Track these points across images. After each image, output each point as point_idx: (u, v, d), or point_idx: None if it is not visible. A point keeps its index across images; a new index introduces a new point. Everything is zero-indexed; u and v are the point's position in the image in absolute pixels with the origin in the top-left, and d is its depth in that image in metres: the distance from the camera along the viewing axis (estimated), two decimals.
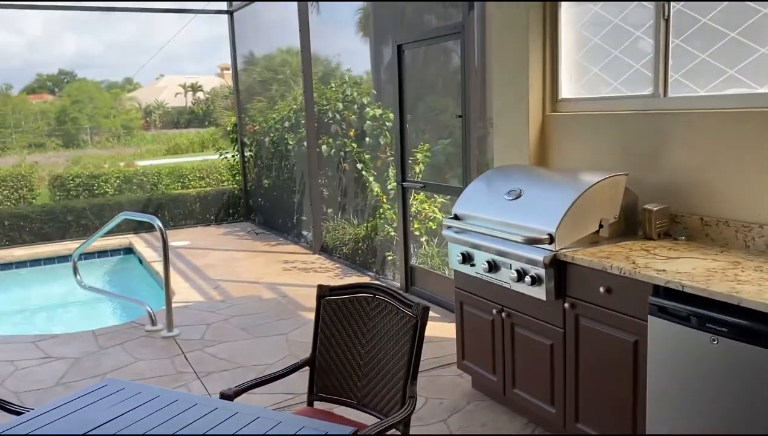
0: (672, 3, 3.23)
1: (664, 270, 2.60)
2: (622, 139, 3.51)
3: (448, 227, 3.68)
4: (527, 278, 3.14)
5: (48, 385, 4.21)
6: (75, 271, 5.89)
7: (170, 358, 4.60)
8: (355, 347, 2.55)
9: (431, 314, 2.84)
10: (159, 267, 7.38)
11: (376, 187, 6.86)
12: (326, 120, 7.80)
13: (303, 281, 6.56)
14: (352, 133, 7.55)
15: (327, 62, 9.15)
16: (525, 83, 3.94)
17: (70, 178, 15.59)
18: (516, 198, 3.36)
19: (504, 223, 3.31)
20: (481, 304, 3.60)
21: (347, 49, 9.36)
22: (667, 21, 3.26)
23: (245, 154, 10.44)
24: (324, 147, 7.78)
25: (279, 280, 6.66)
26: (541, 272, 3.07)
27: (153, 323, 5.20)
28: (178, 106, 46.83)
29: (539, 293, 3.11)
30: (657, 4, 3.29)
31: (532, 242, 3.07)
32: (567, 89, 3.93)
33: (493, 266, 3.38)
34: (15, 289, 8.04)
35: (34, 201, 14.68)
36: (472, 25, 4.94)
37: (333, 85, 8.12)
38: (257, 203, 10.22)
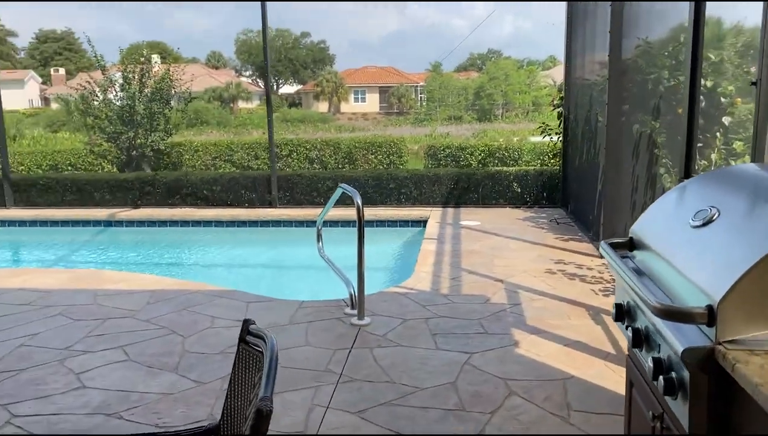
0: None
1: None
2: None
3: (607, 254, 2.28)
4: (661, 380, 1.68)
5: (215, 351, 4.18)
6: (318, 237, 5.86)
7: (332, 351, 4.14)
8: None
9: None
10: (429, 246, 7.00)
11: (667, 183, 5.12)
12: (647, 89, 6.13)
13: (554, 291, 5.36)
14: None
15: None
16: None
17: (442, 148, 16.53)
18: (704, 224, 1.84)
19: (667, 265, 1.86)
20: (640, 393, 2.15)
21: None
22: None
23: (569, 132, 9.23)
24: (636, 126, 6.19)
25: (528, 283, 5.57)
26: (684, 375, 1.59)
27: (352, 306, 4.81)
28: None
29: (680, 412, 1.63)
30: None
31: (672, 314, 1.60)
32: None
33: (640, 340, 1.95)
34: (299, 248, 8.33)
35: (401, 167, 16.04)
36: None
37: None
38: (573, 189, 8.97)
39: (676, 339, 1.61)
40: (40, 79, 59.60)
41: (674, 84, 5.33)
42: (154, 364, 4.00)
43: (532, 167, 10.87)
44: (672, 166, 5.04)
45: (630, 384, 2.32)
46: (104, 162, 15.30)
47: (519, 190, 9.79)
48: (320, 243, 5.86)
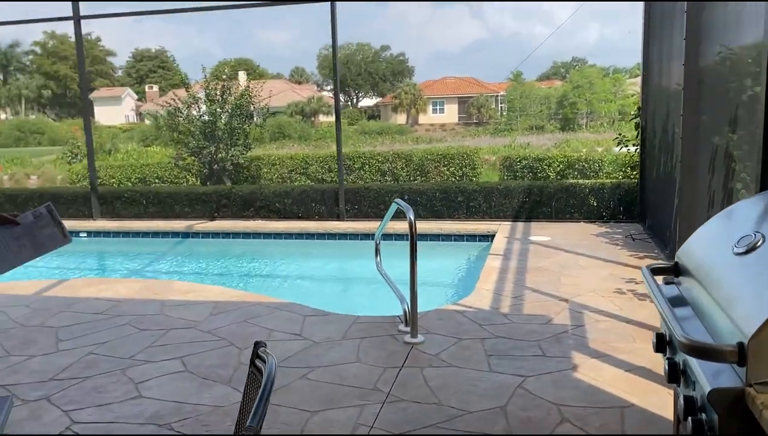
0: None
1: None
2: None
3: (645, 279, 2.14)
4: (689, 421, 1.54)
5: None
6: (376, 252, 5.85)
7: (382, 369, 4.10)
8: None
9: None
10: (493, 262, 6.86)
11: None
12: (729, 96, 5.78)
13: (621, 312, 5.11)
14: None
15: None
16: None
17: (518, 160, 16.24)
18: (747, 251, 1.69)
19: (707, 295, 1.72)
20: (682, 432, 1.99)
21: None
22: None
23: (646, 143, 8.83)
24: (715, 138, 5.84)
25: (594, 303, 5.34)
26: (714, 418, 1.45)
27: (406, 323, 4.76)
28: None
29: None
30: None
31: (699, 351, 1.47)
32: None
33: (677, 374, 1.80)
34: (362, 260, 8.20)
35: (474, 179, 15.85)
36: None
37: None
38: (651, 203, 8.56)
39: (705, 378, 1.48)
40: (135, 96, 63.10)
41: (755, 93, 4.99)
42: (209, 375, 4.09)
43: (609, 180, 10.47)
44: (750, 182, 4.71)
45: (677, 420, 2.16)
46: (189, 175, 15.99)
47: (595, 203, 9.44)
48: (378, 257, 5.84)
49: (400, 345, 4.49)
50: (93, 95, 63.38)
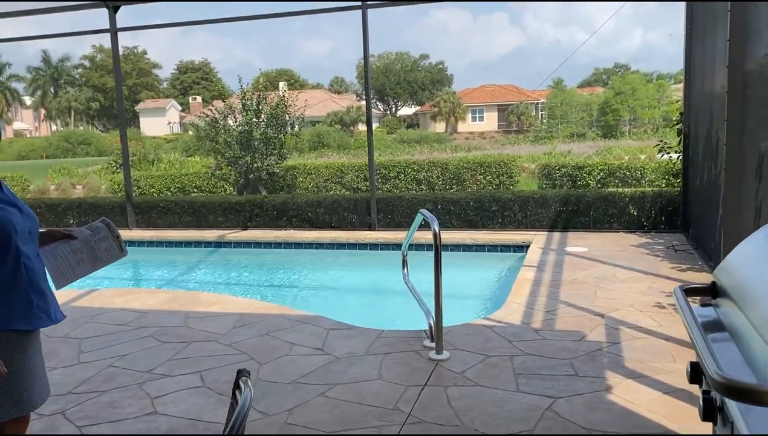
0: None
1: None
2: None
3: (677, 301, 1.92)
4: None
5: (287, 380, 4.10)
6: (404, 264, 5.68)
7: (404, 387, 3.92)
8: None
9: None
10: (526, 274, 6.63)
11: None
12: None
13: (660, 328, 4.82)
14: None
15: None
16: None
17: (557, 167, 15.86)
18: None
19: (747, 322, 1.51)
20: None
21: None
22: None
23: (689, 150, 8.46)
24: (763, 144, 5.50)
25: (631, 319, 5.06)
26: None
27: (431, 338, 4.57)
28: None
29: None
30: None
31: (731, 390, 1.27)
32: None
33: (714, 412, 1.59)
34: (392, 271, 8.03)
35: (511, 187, 15.54)
36: None
37: None
38: (694, 213, 8.18)
39: (743, 421, 1.28)
40: (179, 107, 64.41)
41: None
42: (226, 391, 3.97)
43: (650, 189, 10.08)
44: None
45: None
46: (226, 184, 16.11)
47: (635, 213, 9.09)
48: (405, 269, 5.68)
49: (425, 362, 4.31)
50: (139, 107, 65.02)
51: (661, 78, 58.20)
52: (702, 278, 6.25)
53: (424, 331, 4.83)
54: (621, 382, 3.89)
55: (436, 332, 4.37)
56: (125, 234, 10.33)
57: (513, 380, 3.98)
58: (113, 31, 10.30)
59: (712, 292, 1.88)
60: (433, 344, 4.49)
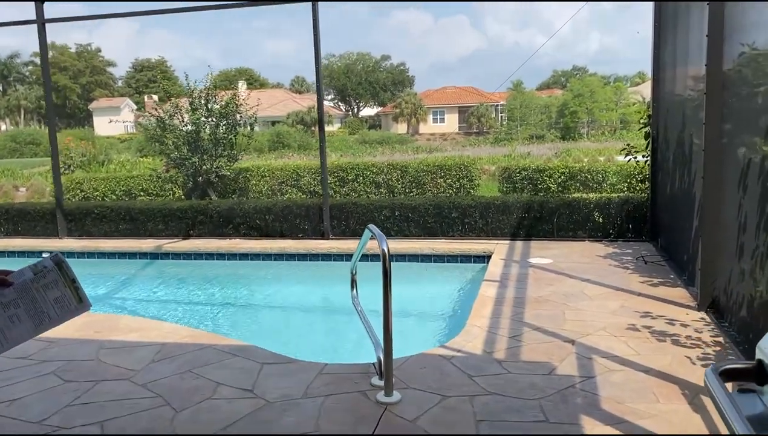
0: None
1: None
2: None
3: (713, 391, 1.33)
4: None
5: (206, 432, 3.42)
6: (352, 284, 5.06)
7: None
8: None
9: None
10: (488, 290, 6.06)
11: None
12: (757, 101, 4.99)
13: (638, 357, 4.29)
14: None
15: None
16: None
17: (518, 171, 15.41)
18: None
19: None
20: None
21: None
22: None
23: (658, 155, 8.03)
24: (742, 150, 5.02)
25: (605, 345, 4.52)
26: None
27: (380, 375, 3.95)
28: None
29: None
30: None
31: None
32: None
33: None
34: (344, 286, 7.66)
35: (472, 191, 15.05)
36: None
37: None
38: (664, 221, 7.75)
39: None
40: (134, 106, 62.55)
41: None
42: None
43: (616, 194, 9.66)
44: None
45: None
46: (175, 187, 15.23)
47: (600, 220, 8.63)
48: (354, 290, 5.07)
49: (372, 406, 3.68)
50: (92, 105, 62.94)
51: (618, 81, 58.84)
52: (675, 294, 5.77)
53: (373, 364, 4.20)
54: (599, 430, 3.32)
55: (386, 371, 3.74)
56: (53, 244, 9.47)
57: (473, 427, 3.38)
58: (40, 22, 9.42)
59: (757, 375, 1.29)
60: (382, 383, 3.86)
